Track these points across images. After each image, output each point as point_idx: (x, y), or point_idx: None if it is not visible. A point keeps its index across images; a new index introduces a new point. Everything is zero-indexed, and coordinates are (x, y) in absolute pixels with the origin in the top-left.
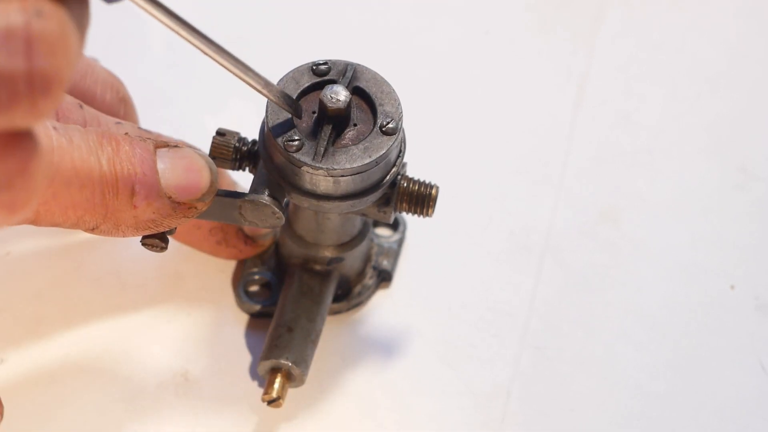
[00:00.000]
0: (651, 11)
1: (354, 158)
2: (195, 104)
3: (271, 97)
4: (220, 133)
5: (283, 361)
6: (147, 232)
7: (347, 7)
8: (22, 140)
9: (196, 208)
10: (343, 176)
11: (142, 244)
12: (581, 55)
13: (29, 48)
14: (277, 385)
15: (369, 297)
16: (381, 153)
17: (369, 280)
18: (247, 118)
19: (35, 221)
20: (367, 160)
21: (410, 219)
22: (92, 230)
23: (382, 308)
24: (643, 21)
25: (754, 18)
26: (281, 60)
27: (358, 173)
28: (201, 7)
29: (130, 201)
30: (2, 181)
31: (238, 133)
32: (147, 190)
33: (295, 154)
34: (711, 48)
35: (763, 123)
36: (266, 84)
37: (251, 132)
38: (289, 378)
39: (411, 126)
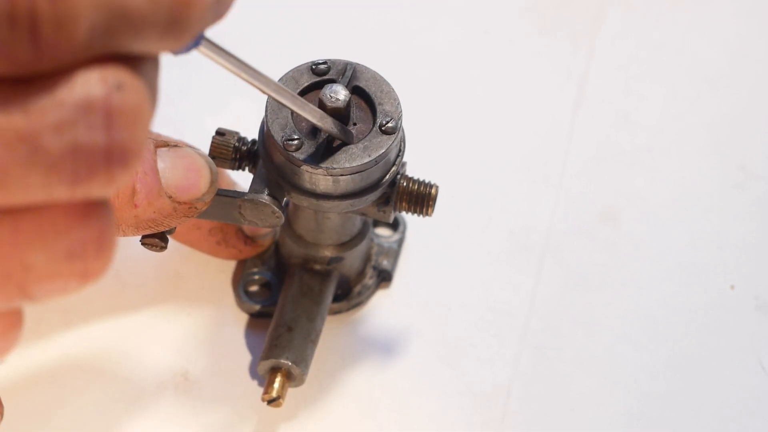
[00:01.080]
0: (651, 11)
1: (353, 157)
2: (195, 104)
3: (327, 128)
4: (220, 132)
5: (283, 361)
6: (147, 232)
7: (347, 7)
8: (96, 209)
9: (196, 207)
10: (342, 175)
11: (142, 244)
12: (581, 55)
13: (109, 122)
14: (277, 384)
15: (369, 297)
16: (380, 152)
17: (369, 279)
18: (247, 118)
19: None
20: (367, 159)
21: (410, 219)
22: None
23: (382, 308)
24: (643, 21)
25: (754, 18)
26: (281, 59)
27: (357, 172)
28: None
29: (131, 200)
30: (77, 250)
31: (237, 133)
32: (148, 189)
33: (294, 153)
34: (711, 48)
35: (763, 123)
36: (322, 117)
37: (251, 132)
38: (289, 377)
39: (411, 126)
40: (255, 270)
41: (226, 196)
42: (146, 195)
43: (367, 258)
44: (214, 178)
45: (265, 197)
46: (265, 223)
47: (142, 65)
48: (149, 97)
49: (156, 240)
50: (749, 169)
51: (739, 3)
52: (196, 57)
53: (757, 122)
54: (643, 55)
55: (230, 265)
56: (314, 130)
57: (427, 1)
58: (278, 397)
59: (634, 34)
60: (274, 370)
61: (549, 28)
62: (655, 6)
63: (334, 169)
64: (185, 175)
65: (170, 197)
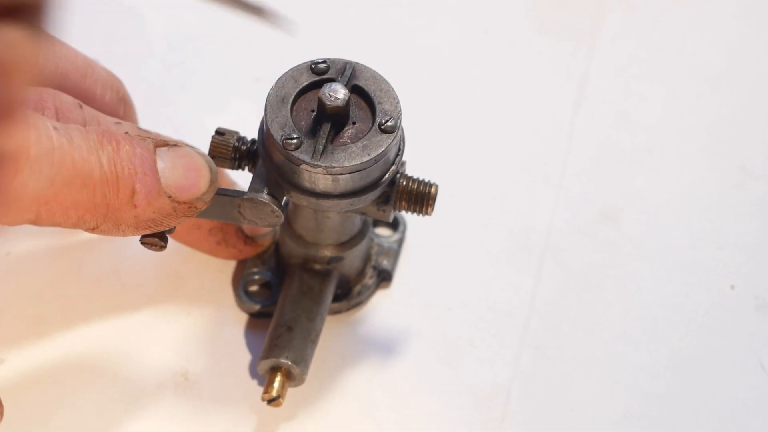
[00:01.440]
0: (651, 11)
1: (353, 156)
2: (195, 104)
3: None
4: (220, 132)
5: (282, 360)
6: (147, 232)
7: (347, 7)
8: None
9: (195, 207)
10: (341, 174)
11: (142, 243)
12: (581, 55)
13: None
14: (276, 384)
15: (369, 297)
16: (380, 151)
17: (369, 279)
18: (247, 118)
19: (36, 221)
20: (366, 158)
21: (410, 219)
22: (93, 230)
23: (382, 308)
24: (643, 21)
25: (754, 18)
26: (280, 58)
27: (356, 171)
28: (200, 6)
29: (131, 200)
30: None
31: (237, 133)
32: (147, 189)
33: (293, 152)
34: (711, 48)
35: (763, 123)
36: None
37: (251, 132)
38: (289, 377)
39: (411, 126)
40: (255, 270)
41: (226, 195)
42: (146, 195)
43: (367, 258)
44: (213, 178)
45: (264, 196)
46: (264, 223)
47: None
48: (27, 49)
49: (156, 239)
50: (749, 169)
51: (739, 3)
52: (196, 57)
53: (757, 122)
54: (643, 55)
55: (230, 265)
56: (314, 130)
57: (427, 0)
58: (278, 397)
59: (634, 34)
60: (274, 370)
61: (549, 28)
62: (655, 6)
63: (333, 167)
64: (185, 175)
65: (170, 197)
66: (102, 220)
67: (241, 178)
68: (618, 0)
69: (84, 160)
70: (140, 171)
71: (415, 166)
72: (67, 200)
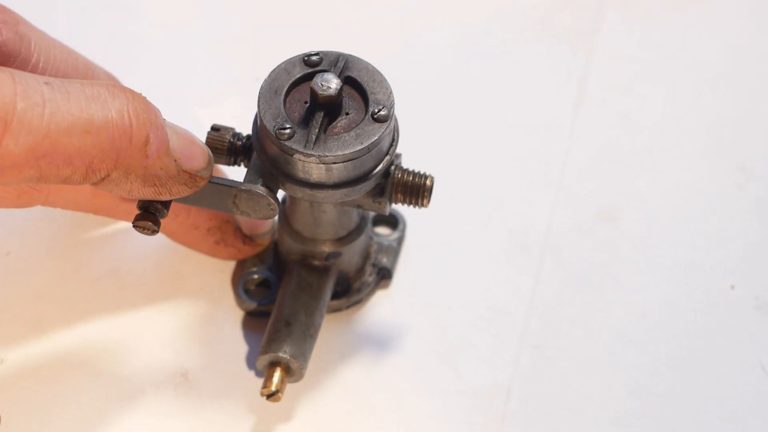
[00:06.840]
0: (651, 11)
1: (346, 145)
2: (195, 104)
3: None
4: (215, 128)
5: (281, 355)
6: (149, 192)
7: (347, 8)
8: None
9: (195, 179)
10: (335, 163)
11: (134, 226)
12: (581, 55)
13: None
14: (275, 378)
15: (369, 294)
16: (372, 140)
17: (368, 277)
18: (243, 115)
19: (41, 177)
20: (359, 147)
21: (410, 219)
22: (102, 181)
23: (381, 307)
24: (643, 21)
25: (754, 18)
26: (280, 58)
27: (349, 160)
28: (200, 6)
29: (144, 149)
30: None
31: (232, 129)
32: (160, 141)
33: (286, 142)
34: (711, 48)
35: (763, 123)
36: None
37: (247, 129)
38: (288, 372)
39: (411, 125)
40: (254, 269)
41: (222, 185)
42: (158, 147)
43: (366, 255)
44: (210, 159)
45: (260, 188)
46: (258, 215)
47: None
48: None
49: (148, 223)
50: (749, 169)
51: (739, 3)
52: (194, 56)
53: (757, 122)
54: (643, 55)
55: (230, 265)
56: (306, 120)
57: (428, 1)
58: (277, 392)
59: (634, 34)
60: (272, 365)
61: (549, 28)
62: (655, 6)
63: (326, 156)
64: (189, 146)
65: (175, 161)
66: (113, 166)
67: (237, 175)
68: (618, 0)
69: (81, 109)
70: (153, 124)
71: (416, 165)
72: (69, 149)
